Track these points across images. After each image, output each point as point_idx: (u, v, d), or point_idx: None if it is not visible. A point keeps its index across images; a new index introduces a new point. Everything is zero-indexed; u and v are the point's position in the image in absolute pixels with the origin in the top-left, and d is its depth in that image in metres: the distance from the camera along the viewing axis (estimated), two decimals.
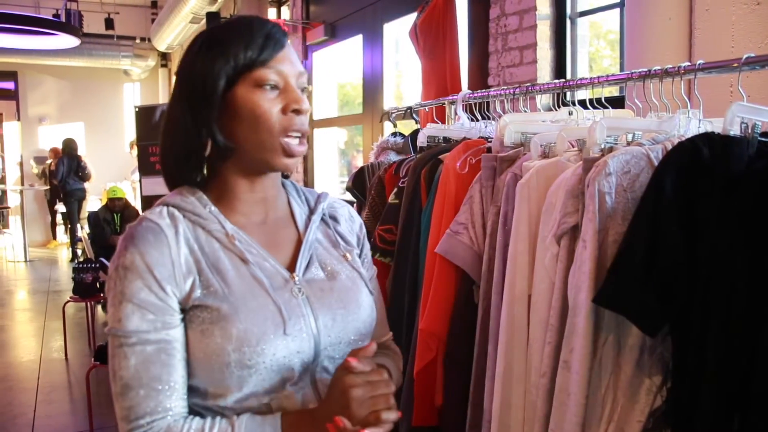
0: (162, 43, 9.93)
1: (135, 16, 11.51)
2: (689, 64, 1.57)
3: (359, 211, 2.32)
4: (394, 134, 3.03)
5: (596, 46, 3.97)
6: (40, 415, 4.17)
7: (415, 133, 2.76)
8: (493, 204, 1.77)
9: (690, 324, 1.23)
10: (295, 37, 6.59)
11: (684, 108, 1.60)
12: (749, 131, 1.30)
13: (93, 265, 5.28)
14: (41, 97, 12.06)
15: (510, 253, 1.62)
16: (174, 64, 12.35)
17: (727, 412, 1.18)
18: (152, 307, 1.00)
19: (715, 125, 1.50)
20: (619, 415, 1.35)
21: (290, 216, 1.19)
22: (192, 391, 1.05)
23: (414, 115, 2.94)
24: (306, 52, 6.60)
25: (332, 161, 7.11)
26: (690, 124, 1.55)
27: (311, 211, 1.21)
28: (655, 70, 1.63)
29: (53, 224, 11.67)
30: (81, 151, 10.44)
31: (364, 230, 1.30)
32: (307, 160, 6.74)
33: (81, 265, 5.31)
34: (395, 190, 2.27)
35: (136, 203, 7.70)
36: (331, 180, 6.91)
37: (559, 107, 2.06)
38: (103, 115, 12.38)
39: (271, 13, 7.46)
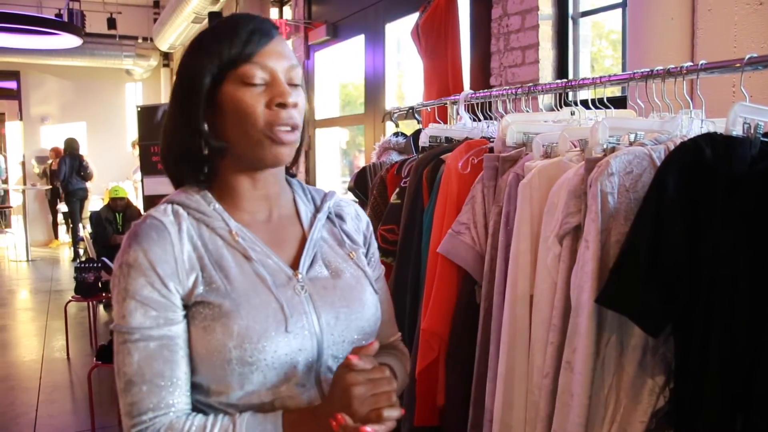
0: (164, 42, 9.94)
1: (137, 16, 11.52)
2: (692, 64, 1.57)
3: None
4: (396, 134, 3.03)
5: (598, 46, 3.97)
6: (42, 414, 4.17)
7: (417, 133, 2.75)
8: (495, 204, 1.77)
9: (692, 324, 1.23)
10: (297, 37, 6.59)
11: (686, 108, 1.60)
12: (752, 131, 1.30)
13: (95, 265, 5.29)
14: (43, 96, 12.08)
15: (512, 253, 1.62)
16: (176, 64, 12.34)
17: (730, 412, 1.18)
18: (155, 303, 1.01)
19: (718, 125, 1.50)
20: (621, 416, 1.35)
21: (295, 214, 1.18)
22: (195, 388, 1.05)
23: (416, 115, 2.94)
24: (308, 52, 6.60)
25: (334, 161, 7.11)
26: (692, 125, 1.55)
27: (317, 210, 1.20)
28: (657, 71, 1.62)
29: (55, 224, 11.68)
30: (83, 151, 10.45)
31: (371, 229, 1.29)
32: (309, 160, 6.75)
33: (83, 265, 5.31)
34: (397, 190, 2.27)
35: (138, 203, 7.70)
36: (333, 180, 6.91)
37: (561, 107, 2.06)
38: (105, 115, 12.40)
39: (273, 13, 7.46)
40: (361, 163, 6.08)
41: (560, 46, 3.42)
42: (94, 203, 10.15)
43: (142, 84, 12.84)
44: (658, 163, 1.34)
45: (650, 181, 1.31)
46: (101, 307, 6.54)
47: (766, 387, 1.13)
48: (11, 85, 11.96)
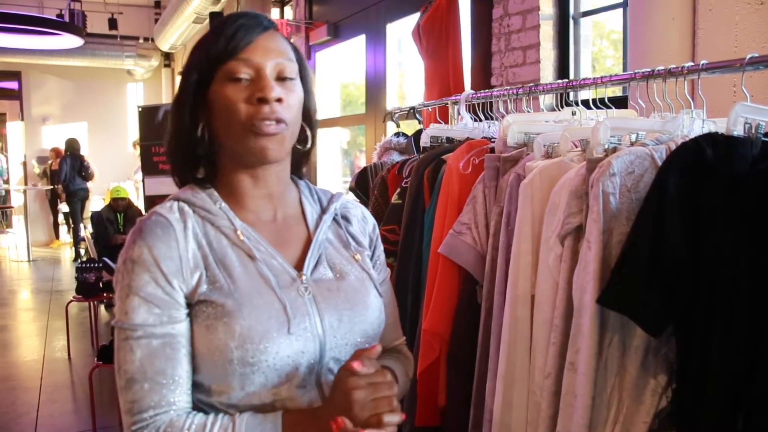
0: (165, 43, 9.94)
1: (138, 16, 11.53)
2: (693, 64, 1.57)
3: None
4: (397, 134, 3.03)
5: (599, 46, 3.97)
6: (43, 414, 4.17)
7: (418, 134, 2.76)
8: (496, 204, 1.77)
9: (693, 324, 1.23)
10: (298, 37, 6.59)
11: (687, 108, 1.59)
12: (753, 131, 1.29)
13: (96, 265, 5.29)
14: (45, 96, 12.09)
15: (513, 253, 1.62)
16: (177, 64, 12.37)
17: (731, 412, 1.18)
18: (159, 300, 1.01)
19: (719, 125, 1.50)
20: (624, 417, 1.35)
21: (301, 214, 1.18)
22: (197, 386, 1.05)
23: (417, 115, 2.94)
24: (309, 52, 6.60)
25: (335, 161, 7.11)
26: (693, 125, 1.55)
27: (323, 211, 1.20)
28: (658, 70, 1.62)
29: (56, 224, 11.68)
30: (84, 151, 10.45)
31: (378, 232, 1.28)
32: (310, 160, 6.73)
33: (84, 265, 5.32)
34: (398, 190, 2.27)
35: (139, 203, 7.71)
36: (334, 180, 6.91)
37: (562, 107, 2.05)
38: (107, 115, 12.40)
39: (275, 13, 7.46)
40: (362, 163, 6.08)
41: (561, 46, 3.42)
42: (96, 203, 10.15)
43: (143, 84, 12.85)
44: (660, 164, 1.34)
45: (652, 181, 1.30)
46: (102, 307, 6.54)
47: (767, 387, 1.13)
48: (12, 85, 11.97)
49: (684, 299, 1.23)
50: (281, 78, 1.06)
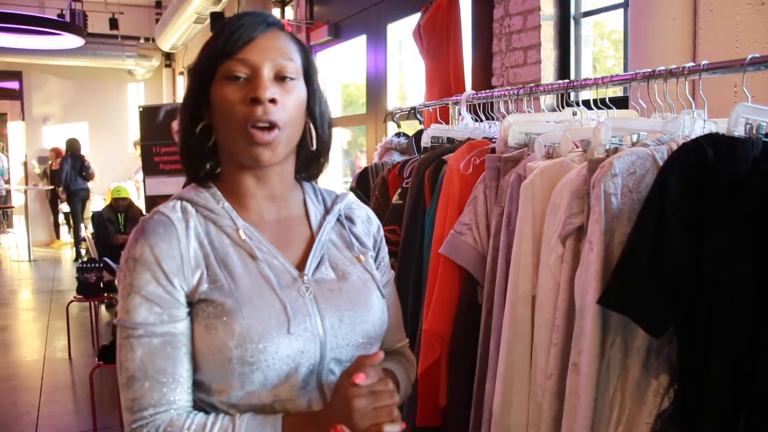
0: (166, 43, 9.95)
1: (139, 16, 11.54)
2: (694, 64, 1.57)
3: None
4: (398, 135, 3.03)
5: (600, 46, 3.97)
6: (43, 414, 4.17)
7: (418, 134, 2.76)
8: (497, 204, 1.77)
9: (694, 325, 1.23)
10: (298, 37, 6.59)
11: (688, 108, 1.59)
12: (754, 132, 1.29)
13: (97, 265, 5.29)
14: (45, 96, 12.10)
15: (513, 253, 1.62)
16: (178, 65, 12.38)
17: (732, 412, 1.18)
18: (160, 299, 1.01)
19: (720, 126, 1.50)
20: (627, 418, 1.35)
21: (305, 215, 1.18)
22: (198, 386, 1.05)
23: (418, 116, 2.94)
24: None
25: (336, 162, 7.11)
26: (694, 125, 1.55)
27: (327, 211, 1.19)
28: (659, 71, 1.62)
29: (56, 224, 11.69)
30: (85, 151, 10.45)
31: (382, 233, 1.28)
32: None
33: (85, 265, 5.32)
34: (399, 190, 2.27)
35: (140, 203, 7.71)
36: (334, 180, 6.91)
37: (563, 108, 2.05)
38: (107, 115, 12.41)
39: (275, 14, 7.47)
40: (363, 163, 6.08)
41: (562, 46, 3.42)
42: (96, 203, 10.15)
43: (144, 84, 12.86)
44: (661, 164, 1.34)
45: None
46: (103, 308, 6.55)
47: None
48: (13, 85, 11.98)
49: (685, 300, 1.23)
50: (280, 78, 1.06)
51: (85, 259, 7.49)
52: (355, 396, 0.95)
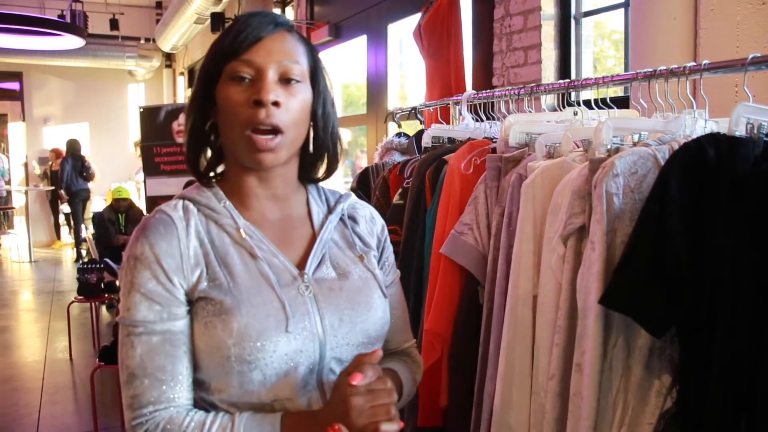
0: (167, 43, 9.95)
1: (140, 17, 11.54)
2: (695, 64, 1.57)
3: None
4: (399, 135, 3.03)
5: (600, 46, 3.97)
6: (44, 415, 4.17)
7: (419, 134, 2.76)
8: (497, 204, 1.76)
9: (696, 325, 1.23)
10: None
11: (689, 108, 1.59)
12: (755, 132, 1.29)
13: (97, 266, 5.29)
14: (46, 97, 12.10)
15: (514, 253, 1.62)
16: (178, 65, 12.38)
17: (734, 413, 1.18)
18: (159, 297, 1.01)
19: (721, 125, 1.50)
20: (630, 418, 1.35)
21: (307, 214, 1.18)
22: (198, 384, 1.06)
23: (418, 116, 2.94)
24: None
25: None
26: (696, 125, 1.55)
27: (329, 211, 1.19)
28: (660, 70, 1.62)
29: (57, 225, 11.69)
30: (85, 152, 10.45)
31: (387, 233, 1.27)
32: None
33: (85, 266, 5.32)
34: (400, 190, 2.27)
35: (141, 203, 7.72)
36: (335, 180, 6.89)
37: (563, 107, 2.05)
38: (108, 116, 12.42)
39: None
40: (364, 163, 6.07)
41: (562, 46, 3.42)
42: (97, 204, 10.16)
43: (144, 85, 12.87)
44: (663, 164, 1.34)
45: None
46: (104, 308, 6.55)
47: None
48: (14, 86, 11.98)
49: (686, 300, 1.23)
50: (285, 80, 1.05)
51: (85, 259, 7.50)
52: (352, 394, 0.95)
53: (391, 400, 0.97)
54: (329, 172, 1.21)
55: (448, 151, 2.09)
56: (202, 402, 1.06)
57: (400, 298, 1.29)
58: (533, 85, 2.12)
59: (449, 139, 2.31)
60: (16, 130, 12.27)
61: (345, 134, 7.15)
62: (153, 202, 6.26)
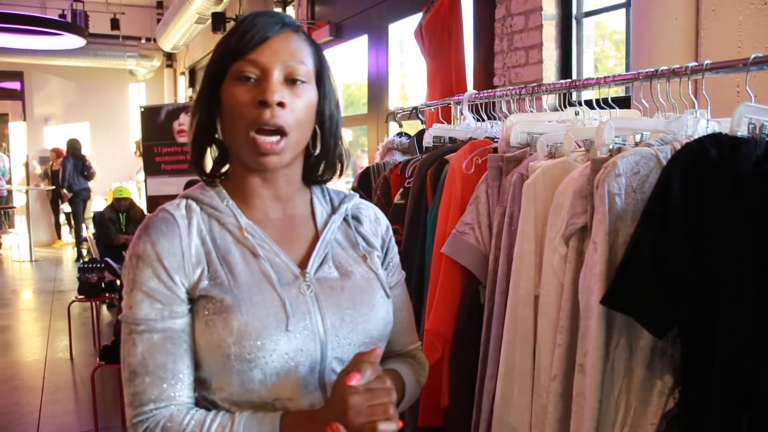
0: (167, 43, 9.94)
1: (140, 17, 11.54)
2: (696, 64, 1.56)
3: None
4: (400, 134, 3.03)
5: (601, 46, 3.97)
6: (45, 414, 4.18)
7: (420, 134, 2.75)
8: (499, 204, 1.76)
9: (698, 325, 1.23)
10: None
11: (691, 108, 1.59)
12: (757, 132, 1.29)
13: (98, 265, 5.30)
14: (47, 97, 12.10)
15: (515, 253, 1.62)
16: (179, 65, 12.39)
17: (736, 412, 1.18)
18: (160, 295, 1.02)
19: (723, 125, 1.49)
20: (632, 419, 1.34)
21: (311, 214, 1.17)
22: (199, 383, 1.06)
23: (419, 116, 2.94)
24: None
25: None
26: (697, 125, 1.55)
27: (333, 211, 1.19)
28: (662, 70, 1.62)
29: (57, 224, 11.69)
30: (86, 151, 10.46)
31: (391, 233, 1.27)
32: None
33: (86, 265, 5.32)
34: (401, 190, 2.27)
35: (141, 203, 7.72)
36: (335, 180, 6.89)
37: (565, 107, 2.05)
38: (109, 115, 12.42)
39: None
40: (365, 163, 6.07)
41: (564, 46, 3.42)
42: (98, 203, 10.16)
43: (145, 84, 12.87)
44: (665, 164, 1.34)
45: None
46: (104, 308, 6.55)
47: None
48: (15, 85, 11.99)
49: (688, 300, 1.22)
50: (290, 80, 1.05)
51: (86, 259, 7.50)
52: (350, 393, 0.95)
53: (389, 399, 0.97)
54: (334, 173, 1.21)
55: (450, 151, 2.09)
56: (203, 401, 1.06)
57: (405, 299, 1.28)
58: (534, 84, 2.12)
59: (450, 138, 2.31)
60: (17, 129, 12.28)
61: (346, 134, 7.15)
62: (154, 201, 6.27)
